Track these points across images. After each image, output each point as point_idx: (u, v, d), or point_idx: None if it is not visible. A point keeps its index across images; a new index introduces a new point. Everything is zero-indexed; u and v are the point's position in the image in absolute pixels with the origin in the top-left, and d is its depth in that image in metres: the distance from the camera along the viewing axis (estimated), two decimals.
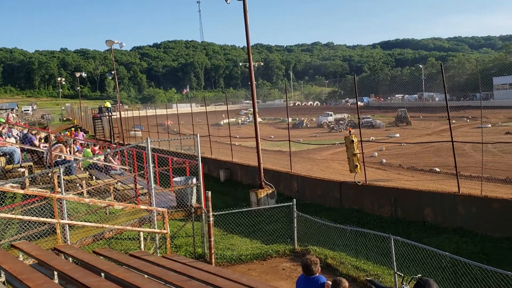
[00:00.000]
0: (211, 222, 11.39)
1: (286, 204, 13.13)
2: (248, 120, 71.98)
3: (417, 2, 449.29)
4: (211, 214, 11.38)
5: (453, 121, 49.03)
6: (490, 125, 52.50)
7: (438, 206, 15.50)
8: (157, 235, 11.21)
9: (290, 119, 62.18)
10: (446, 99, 17.17)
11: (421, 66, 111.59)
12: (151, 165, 11.43)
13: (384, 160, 30.41)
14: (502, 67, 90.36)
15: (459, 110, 60.31)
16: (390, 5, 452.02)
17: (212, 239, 11.43)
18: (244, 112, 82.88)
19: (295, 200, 13.12)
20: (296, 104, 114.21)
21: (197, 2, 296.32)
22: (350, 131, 19.55)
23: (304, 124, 68.82)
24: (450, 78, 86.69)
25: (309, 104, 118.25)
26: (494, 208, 13.89)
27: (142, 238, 10.91)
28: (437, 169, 25.17)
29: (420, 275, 6.56)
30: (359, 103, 24.15)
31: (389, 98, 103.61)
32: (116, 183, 15.94)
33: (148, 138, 11.83)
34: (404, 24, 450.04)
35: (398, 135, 49.04)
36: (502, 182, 19.51)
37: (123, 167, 19.14)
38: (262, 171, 21.65)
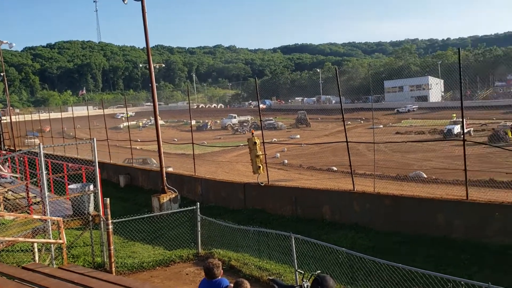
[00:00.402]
0: (110, 230, 10.98)
1: (189, 208, 13.00)
2: (149, 123, 70.43)
3: (314, 8, 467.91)
4: (110, 221, 10.97)
5: (349, 122, 51.90)
6: (382, 126, 56.06)
7: (335, 204, 16.22)
8: (52, 245, 10.61)
9: (193, 122, 61.81)
10: (341, 102, 18.05)
11: (318, 70, 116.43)
12: (45, 172, 10.80)
13: (285, 161, 31.29)
14: (392, 71, 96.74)
15: (354, 112, 63.83)
16: (288, 11, 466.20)
17: (112, 247, 11.02)
18: (121, 116, 78.57)
19: (198, 203, 13.05)
20: (200, 106, 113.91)
21: (94, 1, 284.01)
22: (252, 133, 19.88)
23: (209, 127, 68.86)
24: (345, 82, 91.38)
25: (213, 106, 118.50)
26: (386, 204, 14.82)
27: (36, 250, 10.28)
28: (335, 168, 26.39)
29: (319, 271, 6.80)
30: (261, 105, 24.66)
31: (289, 100, 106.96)
32: (6, 192, 14.88)
33: (41, 143, 11.16)
34: (302, 29, 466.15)
35: (298, 136, 50.74)
36: (392, 179, 20.86)
37: (14, 175, 17.90)
38: (165, 175, 21.29)
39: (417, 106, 72.20)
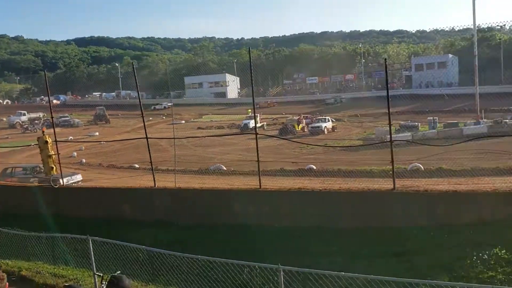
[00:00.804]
0: None
1: None
2: None
3: (109, 1, 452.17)
4: None
5: (150, 118, 51.69)
6: (184, 121, 57.18)
7: (136, 202, 15.99)
8: None
9: None
10: (139, 98, 17.84)
11: (117, 65, 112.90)
12: None
13: (84, 160, 29.76)
14: (191, 68, 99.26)
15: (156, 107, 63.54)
16: (81, 1, 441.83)
17: None
18: None
19: None
20: None
21: None
22: (43, 132, 18.38)
23: None
24: (146, 77, 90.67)
25: None
26: (187, 198, 15.12)
27: None
28: (137, 165, 26.02)
29: (119, 271, 6.58)
30: (55, 101, 22.92)
31: (87, 96, 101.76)
32: None
33: None
34: (98, 21, 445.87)
35: (97, 133, 48.66)
36: (195, 173, 21.44)
37: None
38: None
39: (172, 103, 73.86)
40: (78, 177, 21.60)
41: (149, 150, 16.58)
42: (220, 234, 13.44)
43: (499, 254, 9.56)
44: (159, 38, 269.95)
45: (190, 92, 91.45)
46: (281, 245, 12.10)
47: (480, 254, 9.72)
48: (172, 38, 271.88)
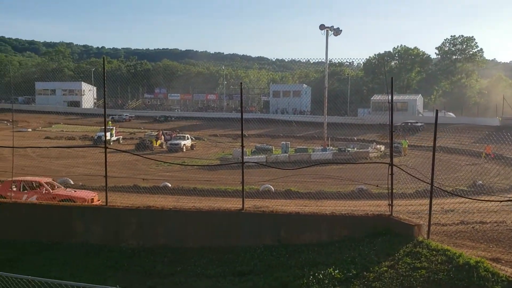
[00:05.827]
0: None
1: None
2: None
3: None
4: None
5: None
6: (30, 130, 53.01)
7: None
8: None
9: None
10: None
11: None
12: None
13: None
14: (44, 73, 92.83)
15: (1, 113, 58.07)
16: None
17: None
18: None
19: None
20: None
21: None
22: None
23: None
24: None
25: None
26: (23, 213, 13.79)
27: None
28: None
29: None
30: None
31: None
32: None
33: None
34: None
35: None
36: None
37: None
38: None
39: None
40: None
41: None
42: (59, 252, 12.46)
43: (333, 273, 10.18)
44: (10, 39, 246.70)
45: (40, 98, 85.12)
46: (124, 265, 11.60)
47: (316, 274, 10.24)
48: (25, 40, 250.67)
